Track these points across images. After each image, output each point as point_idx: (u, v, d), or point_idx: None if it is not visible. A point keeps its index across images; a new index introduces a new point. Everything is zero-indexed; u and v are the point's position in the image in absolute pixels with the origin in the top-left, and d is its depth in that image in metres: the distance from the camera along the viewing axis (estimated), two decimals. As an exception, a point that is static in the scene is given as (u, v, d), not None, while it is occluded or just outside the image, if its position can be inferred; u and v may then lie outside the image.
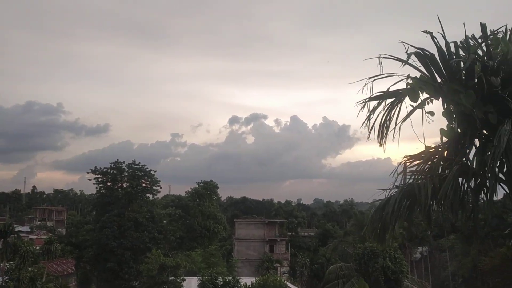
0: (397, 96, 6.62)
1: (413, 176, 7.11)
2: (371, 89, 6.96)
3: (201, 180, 65.26)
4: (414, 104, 6.78)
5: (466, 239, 54.68)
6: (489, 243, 41.69)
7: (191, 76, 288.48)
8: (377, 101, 6.91)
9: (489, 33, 6.34)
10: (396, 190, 7.10)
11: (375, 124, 6.84)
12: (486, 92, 6.06)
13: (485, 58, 6.23)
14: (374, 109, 6.91)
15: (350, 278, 36.63)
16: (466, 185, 6.47)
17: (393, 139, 6.76)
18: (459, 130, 6.83)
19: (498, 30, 6.34)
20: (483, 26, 6.31)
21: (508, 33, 6.29)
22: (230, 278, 33.55)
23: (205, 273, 35.03)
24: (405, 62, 6.75)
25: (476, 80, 6.23)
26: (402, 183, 7.32)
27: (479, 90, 6.11)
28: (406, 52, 6.44)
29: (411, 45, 6.40)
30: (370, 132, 6.86)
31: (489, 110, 5.98)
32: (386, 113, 6.69)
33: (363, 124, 7.00)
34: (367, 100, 6.85)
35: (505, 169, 5.94)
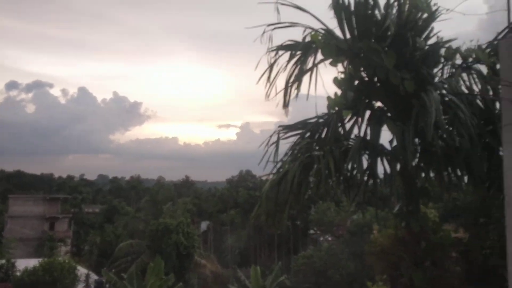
0: (309, 50, 5.48)
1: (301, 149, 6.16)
2: (271, 40, 5.69)
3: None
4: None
5: (245, 213, 59.54)
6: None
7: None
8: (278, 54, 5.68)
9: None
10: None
11: (276, 80, 5.58)
12: (403, 55, 5.44)
13: (403, 17, 5.61)
14: (274, 63, 5.65)
15: (140, 254, 35.62)
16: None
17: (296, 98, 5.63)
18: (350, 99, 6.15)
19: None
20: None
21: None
22: (3, 261, 27.99)
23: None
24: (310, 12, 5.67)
25: (390, 42, 5.56)
26: (275, 154, 6.32)
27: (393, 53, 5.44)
28: None
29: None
30: (270, 90, 5.58)
31: (405, 76, 5.36)
32: (295, 68, 5.49)
33: (259, 79, 5.66)
34: (271, 50, 5.54)
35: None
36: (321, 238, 48.85)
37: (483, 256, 9.85)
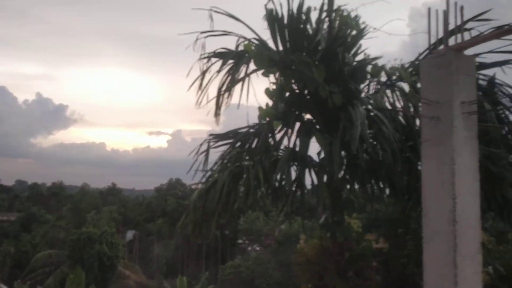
0: (241, 59, 5.46)
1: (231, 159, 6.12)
2: (203, 47, 5.61)
3: None
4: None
5: (173, 223, 58.44)
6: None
7: None
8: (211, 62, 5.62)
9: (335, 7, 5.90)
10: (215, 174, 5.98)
11: (208, 88, 5.50)
12: (332, 70, 5.59)
13: (333, 33, 5.77)
14: (206, 71, 5.57)
15: (60, 265, 33.70)
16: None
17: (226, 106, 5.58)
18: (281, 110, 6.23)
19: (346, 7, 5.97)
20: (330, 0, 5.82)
21: (354, 13, 6.00)
22: None
23: None
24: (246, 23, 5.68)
25: (320, 56, 5.71)
26: (204, 164, 6.26)
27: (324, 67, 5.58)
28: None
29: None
30: (201, 97, 5.48)
31: (334, 90, 5.51)
32: (227, 77, 5.44)
33: (190, 86, 5.55)
34: (203, 57, 5.46)
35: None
36: (249, 248, 49.01)
37: (401, 265, 10.34)
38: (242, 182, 5.78)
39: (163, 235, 64.30)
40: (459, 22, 4.29)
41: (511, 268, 9.49)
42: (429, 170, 4.37)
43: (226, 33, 5.72)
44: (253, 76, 5.70)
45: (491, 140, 5.53)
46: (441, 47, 4.46)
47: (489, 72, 5.82)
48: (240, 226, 49.79)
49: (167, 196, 67.19)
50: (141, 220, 67.49)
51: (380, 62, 6.14)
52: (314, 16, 5.92)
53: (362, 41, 6.22)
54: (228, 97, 5.61)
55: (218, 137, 6.85)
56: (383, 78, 6.25)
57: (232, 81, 5.41)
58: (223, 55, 5.55)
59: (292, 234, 32.27)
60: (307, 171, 6.03)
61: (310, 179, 6.06)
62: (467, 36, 4.58)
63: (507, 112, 5.78)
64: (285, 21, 5.60)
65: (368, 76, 6.30)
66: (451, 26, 4.32)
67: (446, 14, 4.40)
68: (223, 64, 5.50)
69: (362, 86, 6.40)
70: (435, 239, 4.30)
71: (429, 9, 4.55)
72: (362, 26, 5.96)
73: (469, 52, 4.54)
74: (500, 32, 4.48)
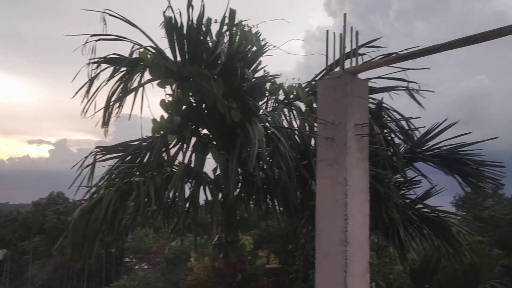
0: (135, 67, 5.07)
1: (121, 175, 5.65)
2: (93, 51, 5.13)
3: None
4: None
5: (52, 240, 53.93)
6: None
7: None
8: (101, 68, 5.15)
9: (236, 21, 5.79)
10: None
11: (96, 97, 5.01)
12: (231, 85, 5.46)
13: (234, 47, 5.65)
14: (95, 77, 5.09)
15: None
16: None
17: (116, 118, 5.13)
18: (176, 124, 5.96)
19: (249, 23, 5.89)
20: (232, 13, 5.71)
21: (255, 29, 5.95)
22: None
23: None
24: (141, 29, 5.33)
25: (220, 70, 5.56)
26: (89, 178, 5.76)
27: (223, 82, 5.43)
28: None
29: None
30: (88, 106, 4.96)
31: (232, 105, 5.37)
32: (118, 85, 5.00)
33: (76, 93, 5.00)
34: (92, 62, 4.97)
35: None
36: (137, 267, 46.93)
37: (290, 281, 10.48)
38: (131, 199, 5.35)
39: (40, 254, 58.90)
40: (354, 46, 4.43)
41: (390, 281, 10.15)
42: (323, 189, 4.40)
43: (119, 38, 5.30)
44: (147, 86, 5.34)
45: (379, 162, 5.80)
46: (337, 69, 4.56)
47: (377, 96, 6.15)
48: (128, 244, 47.46)
49: (47, 211, 61.87)
50: (14, 238, 61.26)
51: (278, 81, 6.19)
52: (216, 28, 5.80)
53: (262, 58, 6.22)
54: (119, 107, 5.16)
55: (106, 149, 6.32)
56: (281, 96, 6.29)
57: (124, 90, 4.99)
58: (115, 62, 5.12)
59: (182, 251, 31.53)
60: (202, 188, 5.79)
61: (205, 196, 5.84)
62: (360, 60, 4.76)
63: (392, 135, 6.13)
64: (185, 31, 5.36)
65: (267, 94, 6.30)
66: (347, 50, 4.44)
67: (342, 37, 4.51)
68: (115, 71, 5.07)
69: (261, 103, 6.38)
70: (327, 259, 4.31)
71: (327, 32, 4.65)
72: (263, 43, 5.95)
73: (361, 76, 4.71)
74: (390, 59, 4.73)
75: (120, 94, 5.00)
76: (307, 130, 5.49)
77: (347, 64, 4.50)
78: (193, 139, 6.16)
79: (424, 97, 5.96)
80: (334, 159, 4.35)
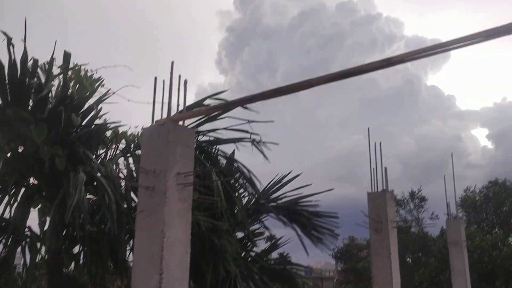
0: None
1: None
2: None
3: None
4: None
5: None
6: None
7: None
8: None
9: (72, 65, 5.49)
10: None
11: None
12: (59, 130, 5.06)
13: (63, 91, 5.30)
14: None
15: None
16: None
17: None
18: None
19: (84, 66, 5.61)
20: (66, 56, 5.41)
21: (92, 73, 5.68)
22: None
23: None
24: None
25: (47, 114, 5.16)
26: None
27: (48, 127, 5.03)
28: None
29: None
30: None
31: (58, 153, 4.96)
32: None
33: None
34: None
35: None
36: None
37: None
38: None
39: None
40: (182, 96, 4.37)
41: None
42: (140, 243, 4.09)
43: None
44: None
45: (220, 213, 5.69)
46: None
47: (225, 148, 6.15)
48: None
49: None
50: None
51: (124, 129, 5.97)
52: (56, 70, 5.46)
53: (106, 106, 5.95)
54: None
55: None
56: (123, 144, 6.03)
57: None
58: None
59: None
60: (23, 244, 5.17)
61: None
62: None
63: (236, 185, 6.12)
64: (6, 70, 4.93)
65: (108, 141, 6.00)
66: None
67: (169, 86, 4.44)
68: None
69: (101, 151, 6.04)
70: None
71: (155, 78, 4.55)
72: (102, 89, 5.71)
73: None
74: (216, 106, 4.75)
75: None
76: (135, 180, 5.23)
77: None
78: (22, 189, 5.58)
79: (270, 149, 6.11)
80: (153, 210, 4.10)
